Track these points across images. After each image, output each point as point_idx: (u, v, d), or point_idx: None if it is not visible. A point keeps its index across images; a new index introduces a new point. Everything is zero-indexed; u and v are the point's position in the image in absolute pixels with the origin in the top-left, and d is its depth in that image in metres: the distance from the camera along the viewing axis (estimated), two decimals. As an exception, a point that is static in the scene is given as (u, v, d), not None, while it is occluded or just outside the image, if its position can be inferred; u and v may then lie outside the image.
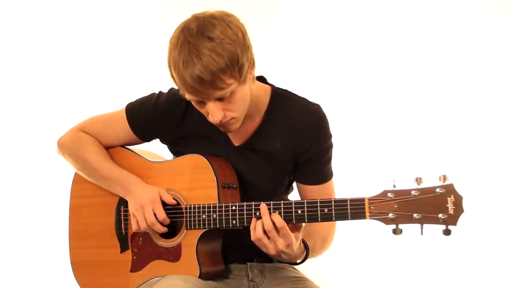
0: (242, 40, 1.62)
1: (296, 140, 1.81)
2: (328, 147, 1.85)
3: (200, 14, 1.64)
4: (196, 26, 1.60)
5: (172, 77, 1.64)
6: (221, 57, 1.57)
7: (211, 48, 1.57)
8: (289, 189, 1.96)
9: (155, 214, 1.79)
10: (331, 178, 1.89)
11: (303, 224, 1.71)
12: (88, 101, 2.91)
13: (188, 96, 1.66)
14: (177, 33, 1.63)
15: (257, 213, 1.69)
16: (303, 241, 1.73)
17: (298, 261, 1.78)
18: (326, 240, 1.87)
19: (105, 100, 2.78)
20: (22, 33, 2.96)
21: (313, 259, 1.86)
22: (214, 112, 1.65)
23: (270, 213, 1.65)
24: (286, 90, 1.87)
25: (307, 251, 1.75)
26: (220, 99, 1.64)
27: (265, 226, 1.64)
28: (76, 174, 2.00)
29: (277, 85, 1.89)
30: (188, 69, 1.57)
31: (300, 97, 1.86)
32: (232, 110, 1.67)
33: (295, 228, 1.67)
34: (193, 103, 1.71)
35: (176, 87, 1.88)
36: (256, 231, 1.65)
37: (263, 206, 1.66)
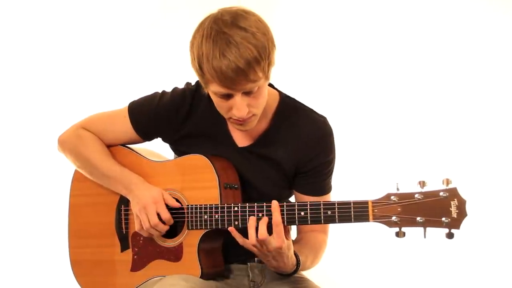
0: (271, 37, 1.65)
1: (300, 150, 1.82)
2: (330, 161, 1.85)
3: (228, 8, 1.65)
4: (230, 18, 1.61)
5: (200, 69, 1.63)
6: (255, 48, 1.58)
7: (246, 38, 1.58)
8: (290, 192, 1.94)
9: (158, 215, 1.78)
10: (329, 192, 1.89)
11: (290, 233, 1.71)
12: (89, 98, 2.90)
13: (216, 89, 1.63)
14: (208, 24, 1.62)
15: (259, 214, 1.69)
16: (296, 255, 1.72)
17: (287, 273, 1.75)
18: (317, 254, 1.86)
19: (107, 97, 2.77)
20: (24, 33, 2.94)
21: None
22: (240, 106, 1.65)
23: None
24: (294, 99, 1.88)
25: (297, 265, 1.73)
26: (248, 93, 1.64)
27: (274, 221, 1.62)
28: (76, 172, 2.00)
29: (276, 85, 1.89)
30: (225, 58, 1.57)
31: (308, 108, 1.86)
32: (255, 106, 1.68)
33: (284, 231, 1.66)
34: (215, 98, 1.69)
35: (183, 86, 1.88)
36: (259, 231, 1.63)
37: (274, 202, 1.66)
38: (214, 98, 1.70)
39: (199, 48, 1.61)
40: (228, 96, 1.65)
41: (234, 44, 1.57)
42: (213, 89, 1.65)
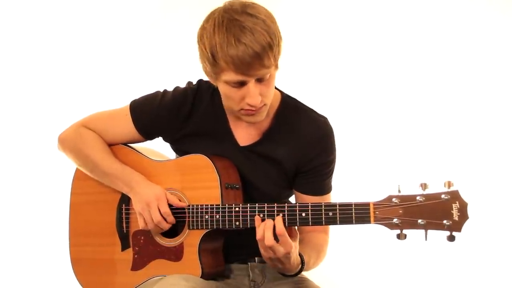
0: (278, 27, 1.67)
1: (301, 150, 1.82)
2: (331, 161, 1.86)
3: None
4: (240, 7, 1.64)
5: (213, 58, 1.63)
6: (267, 33, 1.61)
7: (258, 23, 1.61)
8: (291, 191, 1.95)
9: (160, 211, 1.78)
10: (329, 192, 1.89)
11: (298, 234, 1.71)
12: (90, 97, 2.91)
13: (230, 77, 1.64)
14: (218, 14, 1.64)
15: (260, 215, 1.69)
16: (300, 255, 1.71)
17: (291, 274, 1.74)
18: (320, 254, 1.86)
19: (108, 97, 2.78)
20: (25, 33, 2.95)
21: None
22: (254, 94, 1.66)
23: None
24: (295, 99, 1.88)
25: (302, 265, 1.72)
26: (260, 81, 1.66)
27: (277, 231, 1.61)
28: (77, 170, 1.99)
29: (277, 85, 1.89)
30: (241, 43, 1.58)
31: (309, 108, 1.87)
32: (266, 95, 1.69)
33: (291, 235, 1.65)
34: (227, 88, 1.68)
35: (187, 84, 1.87)
36: (265, 238, 1.62)
37: (278, 218, 1.64)
38: (225, 89, 1.70)
39: (211, 37, 1.62)
40: (241, 84, 1.66)
41: (248, 29, 1.59)
42: (226, 78, 1.65)
